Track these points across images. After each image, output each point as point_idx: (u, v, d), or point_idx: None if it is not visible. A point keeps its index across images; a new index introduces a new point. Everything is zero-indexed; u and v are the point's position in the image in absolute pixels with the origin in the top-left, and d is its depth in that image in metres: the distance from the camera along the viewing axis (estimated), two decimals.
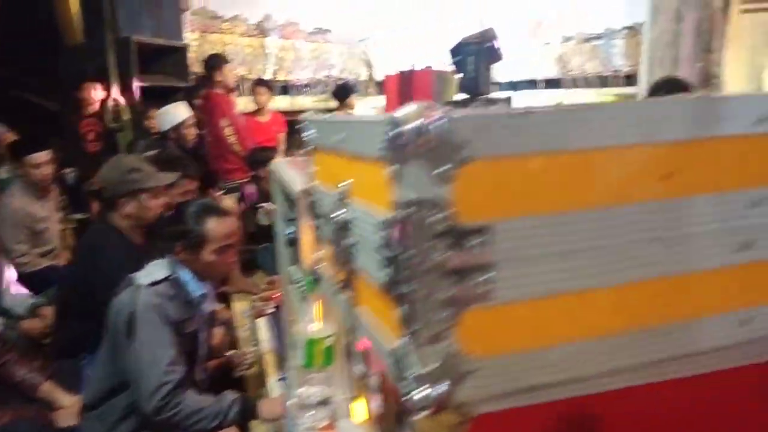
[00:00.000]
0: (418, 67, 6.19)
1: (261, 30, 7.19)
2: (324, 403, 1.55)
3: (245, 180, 4.79)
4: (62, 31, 5.61)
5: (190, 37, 6.55)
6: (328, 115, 1.10)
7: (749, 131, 0.80)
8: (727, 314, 0.85)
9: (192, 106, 5.32)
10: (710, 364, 0.85)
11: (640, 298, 0.79)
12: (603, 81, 7.90)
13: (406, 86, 5.74)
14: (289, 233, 1.88)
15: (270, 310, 3.43)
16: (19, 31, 5.36)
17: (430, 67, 5.92)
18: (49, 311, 3.33)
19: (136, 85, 5.82)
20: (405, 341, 0.70)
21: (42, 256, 4.06)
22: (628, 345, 0.80)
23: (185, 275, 2.40)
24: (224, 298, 3.71)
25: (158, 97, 5.64)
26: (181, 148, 4.72)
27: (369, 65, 7.64)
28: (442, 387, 0.69)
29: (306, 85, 7.40)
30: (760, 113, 0.80)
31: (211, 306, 2.67)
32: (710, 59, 6.93)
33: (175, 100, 5.16)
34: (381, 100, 6.69)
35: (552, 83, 7.98)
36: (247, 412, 2.29)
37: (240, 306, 3.71)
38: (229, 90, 5.62)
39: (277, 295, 3.30)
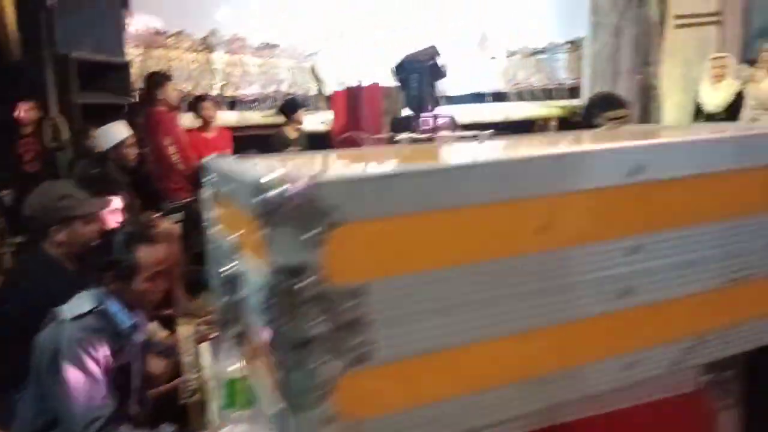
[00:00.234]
0: (366, 83, 6.23)
1: (207, 45, 7.09)
2: None
3: (191, 199, 4.71)
4: None
5: (133, 53, 6.41)
6: (225, 161, 1.08)
7: (623, 182, 0.82)
8: (612, 358, 0.87)
9: (135, 124, 5.20)
10: (598, 407, 0.86)
11: (523, 348, 0.80)
12: (548, 94, 8.10)
13: (353, 102, 5.76)
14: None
15: (214, 335, 3.36)
16: None
17: (377, 83, 5.97)
18: None
19: (77, 103, 5.66)
20: (282, 407, 0.70)
21: None
22: (514, 395, 0.80)
23: (113, 306, 2.33)
24: (170, 323, 3.63)
25: (100, 115, 5.50)
26: (121, 168, 4.62)
27: (318, 80, 7.63)
28: None
29: (254, 101, 7.34)
30: (632, 165, 0.82)
31: (143, 335, 2.60)
32: (649, 72, 7.18)
33: (118, 118, 5.05)
34: (330, 115, 6.67)
35: (499, 96, 8.12)
36: None
37: (185, 330, 3.63)
38: (172, 107, 5.52)
39: None
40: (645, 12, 7.02)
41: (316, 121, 6.72)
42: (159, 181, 5.42)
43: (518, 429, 0.83)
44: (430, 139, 4.17)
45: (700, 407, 1.04)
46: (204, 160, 1.21)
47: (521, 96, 8.13)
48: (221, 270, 0.94)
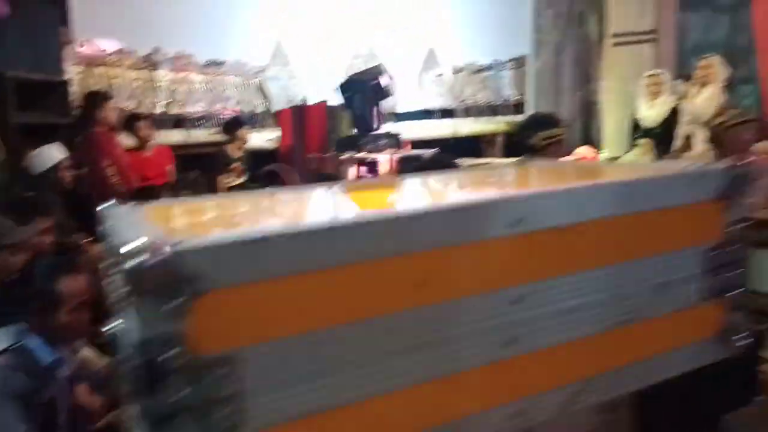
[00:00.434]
0: (313, 101, 6.23)
1: (150, 62, 6.97)
2: None
3: None
4: None
5: (73, 70, 6.25)
6: (116, 211, 1.06)
7: (503, 234, 0.83)
8: (498, 408, 0.88)
9: (73, 144, 5.06)
10: None
11: (406, 404, 0.80)
12: (494, 110, 8.24)
13: (299, 120, 5.74)
14: None
15: None
16: None
17: (324, 101, 5.98)
18: None
19: (14, 122, 5.48)
20: None
21: None
22: None
23: (32, 342, 2.25)
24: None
25: (38, 134, 5.33)
26: (57, 191, 4.48)
27: (266, 97, 7.58)
28: None
29: (200, 118, 7.24)
30: (514, 217, 0.84)
31: (68, 370, 2.52)
32: (589, 88, 7.39)
33: (56, 138, 4.91)
34: (278, 133, 6.63)
35: (447, 113, 8.22)
36: None
37: None
38: (112, 128, 5.39)
39: None
40: (585, 30, 7.23)
41: (263, 138, 6.66)
42: (98, 204, 5.27)
43: None
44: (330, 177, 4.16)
45: None
46: (100, 208, 1.18)
47: (468, 112, 8.25)
48: (105, 327, 0.92)
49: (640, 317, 1.00)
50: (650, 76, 6.05)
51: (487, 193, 1.00)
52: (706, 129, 4.39)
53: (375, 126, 4.71)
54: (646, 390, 1.05)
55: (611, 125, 6.66)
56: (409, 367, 0.80)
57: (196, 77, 7.30)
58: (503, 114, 8.17)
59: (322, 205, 1.13)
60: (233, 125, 6.15)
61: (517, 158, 3.32)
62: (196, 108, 7.21)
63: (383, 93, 4.75)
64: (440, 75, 8.22)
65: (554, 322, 0.91)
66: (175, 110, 7.10)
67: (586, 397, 0.95)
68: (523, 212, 0.86)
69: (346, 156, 4.37)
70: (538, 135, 2.96)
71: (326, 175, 4.57)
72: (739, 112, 3.50)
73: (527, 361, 0.89)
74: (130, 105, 6.66)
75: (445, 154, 4.14)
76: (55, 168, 4.65)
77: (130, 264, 0.65)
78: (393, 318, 0.78)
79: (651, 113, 6.02)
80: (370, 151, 4.48)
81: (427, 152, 4.66)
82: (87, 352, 2.82)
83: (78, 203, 4.85)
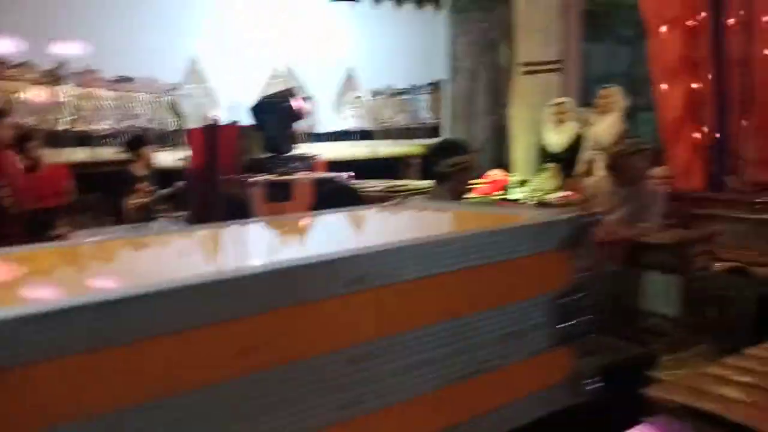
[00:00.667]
0: (225, 121, 6.09)
1: (54, 77, 6.65)
2: None
3: None
4: None
5: None
6: None
7: (343, 292, 0.82)
8: None
9: None
10: None
11: None
12: (412, 132, 8.37)
13: (210, 140, 5.60)
14: None
15: None
16: None
17: (236, 122, 5.86)
18: None
19: None
20: None
21: None
22: None
23: None
24: None
25: None
26: None
27: (178, 115, 7.38)
28: None
29: (107, 136, 6.96)
30: (352, 275, 0.82)
31: None
32: (502, 113, 7.64)
33: None
34: (189, 152, 6.44)
35: (365, 134, 8.27)
36: None
37: None
38: (6, 146, 5.07)
39: None
40: (497, 58, 7.48)
41: (174, 158, 6.45)
42: None
43: None
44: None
45: None
46: None
47: (387, 134, 8.33)
48: None
49: (488, 368, 1.01)
50: (556, 104, 6.31)
51: (325, 249, 0.97)
52: (606, 155, 4.61)
53: (286, 148, 4.65)
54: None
55: (521, 150, 6.89)
56: None
57: (104, 93, 7.02)
58: (421, 136, 8.31)
59: (148, 262, 1.07)
60: (137, 143, 5.92)
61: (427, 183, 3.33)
62: (102, 125, 6.93)
63: (295, 115, 4.71)
64: (359, 97, 8.27)
65: (400, 379, 0.90)
66: (80, 127, 6.80)
67: None
68: (363, 270, 0.85)
69: (256, 178, 4.28)
70: (445, 162, 2.98)
71: (235, 197, 4.47)
72: (634, 142, 3.70)
73: (373, 421, 0.87)
74: (30, 121, 6.32)
75: (347, 186, 4.15)
76: None
77: None
78: (218, 388, 0.74)
79: (557, 139, 6.27)
80: (281, 174, 4.42)
81: (340, 175, 4.65)
82: None
83: None
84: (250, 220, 1.49)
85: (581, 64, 7.31)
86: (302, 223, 1.41)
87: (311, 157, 5.09)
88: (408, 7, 8.34)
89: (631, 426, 1.86)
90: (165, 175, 6.04)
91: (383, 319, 0.89)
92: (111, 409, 0.67)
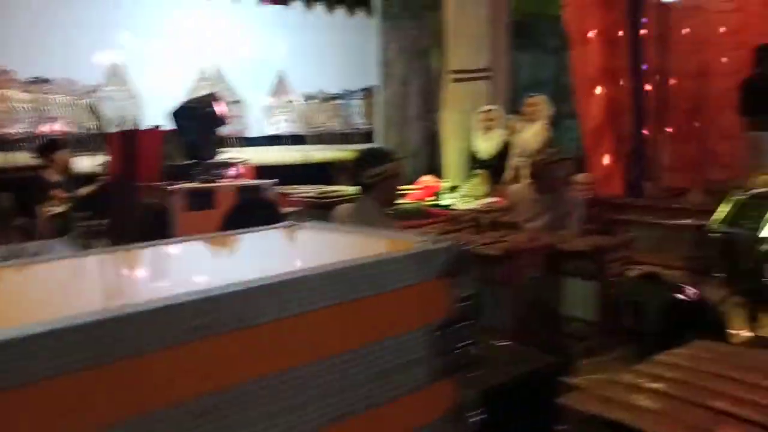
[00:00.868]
0: (147, 125, 5.85)
1: None
2: None
3: None
4: None
5: None
6: None
7: (186, 339, 0.73)
8: None
9: None
10: None
11: None
12: (345, 137, 8.32)
13: (130, 145, 5.34)
14: None
15: None
16: None
17: (157, 126, 5.63)
18: None
19: None
20: None
21: None
22: None
23: None
24: None
25: None
26: None
27: (98, 118, 7.05)
28: None
29: (22, 140, 6.58)
30: (196, 320, 0.74)
31: None
32: (434, 120, 7.70)
33: None
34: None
35: (297, 139, 8.16)
36: None
37: None
38: None
39: None
40: (429, 65, 7.53)
41: (94, 163, 6.15)
42: None
43: None
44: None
45: None
46: None
47: (319, 139, 8.25)
48: None
49: (366, 406, 0.95)
50: (484, 111, 6.40)
51: (174, 288, 0.85)
52: (527, 164, 4.69)
53: (209, 155, 4.49)
54: None
55: (452, 156, 6.95)
56: None
57: (18, 95, 6.64)
58: (354, 142, 8.26)
59: None
60: (49, 148, 5.62)
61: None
62: (16, 128, 6.55)
63: (218, 121, 4.56)
64: (291, 101, 8.16)
65: (264, 426, 0.82)
66: None
67: None
68: (209, 316, 0.77)
69: (176, 186, 4.11)
70: (367, 172, 2.91)
71: (154, 206, 4.29)
72: (554, 151, 3.77)
73: None
74: None
75: (265, 197, 4.05)
76: None
77: None
78: None
79: (486, 146, 6.36)
80: (203, 181, 4.27)
81: (265, 182, 4.54)
82: None
83: None
84: (108, 249, 1.36)
85: (510, 72, 7.46)
86: (162, 252, 1.31)
87: (235, 163, 4.94)
88: (340, 13, 8.29)
89: None
90: (83, 182, 5.75)
91: (237, 365, 0.80)
92: None
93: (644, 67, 5.04)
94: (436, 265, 1.07)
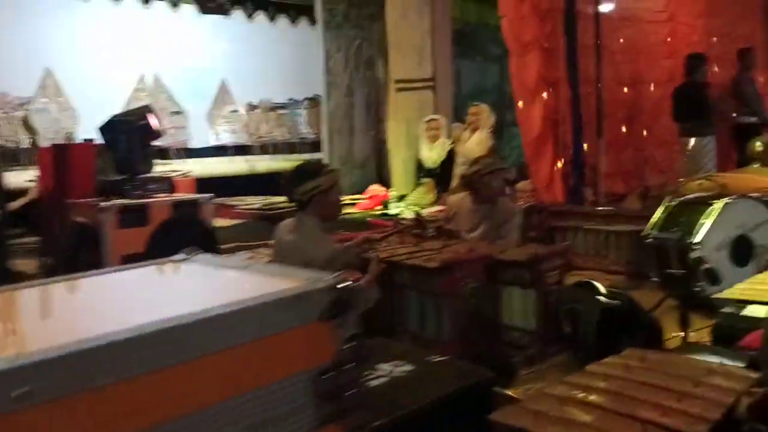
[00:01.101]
0: (81, 138, 5.62)
1: None
2: None
3: None
4: None
5: None
6: None
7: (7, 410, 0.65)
8: None
9: None
10: None
11: None
12: (291, 147, 8.22)
13: (60, 160, 5.11)
14: None
15: None
16: None
17: (91, 140, 5.41)
18: None
19: None
20: None
21: None
22: None
23: None
24: None
25: None
26: None
27: (32, 132, 6.77)
28: None
29: None
30: (16, 389, 0.66)
31: None
32: (381, 129, 7.68)
33: None
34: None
35: (242, 149, 8.03)
36: None
37: None
38: None
39: None
40: (374, 74, 7.52)
41: (25, 178, 5.88)
42: None
43: None
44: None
45: None
46: None
47: (265, 149, 8.14)
48: None
49: None
50: (429, 120, 6.42)
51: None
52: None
53: (144, 169, 4.33)
54: None
55: (398, 165, 6.96)
56: None
57: None
58: (301, 152, 8.19)
59: None
60: None
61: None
62: None
63: (152, 134, 4.40)
64: (235, 111, 8.02)
65: None
66: None
67: None
68: (30, 382, 0.69)
69: (108, 202, 3.94)
70: (299, 189, 2.82)
71: (84, 223, 4.10)
72: (490, 161, 3.77)
73: None
74: None
75: (193, 215, 3.94)
76: None
77: None
78: None
79: (431, 155, 6.38)
80: (137, 197, 4.11)
81: (203, 197, 4.41)
82: None
83: None
84: None
85: (453, 81, 7.53)
86: (17, 298, 1.19)
87: (170, 178, 4.79)
88: (283, 22, 8.22)
89: None
90: (14, 197, 5.50)
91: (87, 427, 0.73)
92: None
93: (581, 76, 5.15)
94: (316, 308, 1.02)
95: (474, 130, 6.14)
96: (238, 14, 7.99)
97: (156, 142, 5.29)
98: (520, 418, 1.65)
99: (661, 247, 3.52)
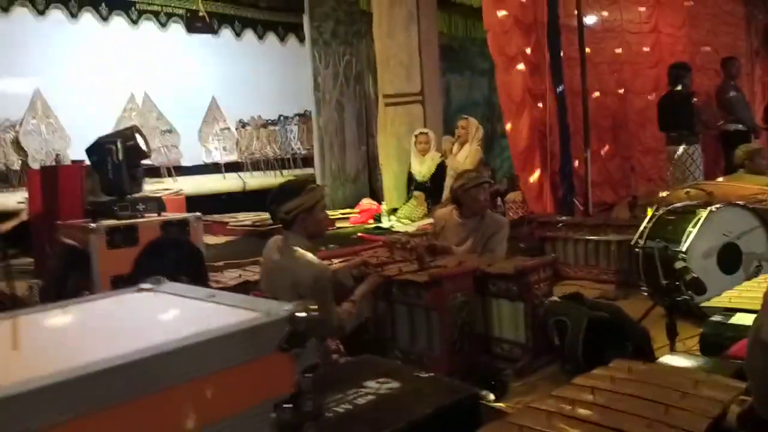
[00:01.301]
0: (71, 159, 5.61)
1: None
2: None
3: None
4: None
5: None
6: None
7: None
8: None
9: None
10: None
11: None
12: (283, 163, 8.24)
13: (49, 181, 5.09)
14: None
15: None
16: None
17: (80, 162, 5.40)
18: None
19: None
20: None
21: None
22: None
23: None
24: None
25: None
26: None
27: (23, 153, 6.76)
28: None
29: None
30: None
31: None
32: (372, 143, 7.71)
33: None
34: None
35: (234, 167, 8.04)
36: None
37: None
38: None
39: None
40: (363, 89, 7.56)
41: (16, 200, 5.88)
42: None
43: None
44: None
45: None
46: None
47: (256, 166, 8.15)
48: None
49: None
50: (419, 134, 6.45)
51: None
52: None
53: (132, 189, 4.31)
54: None
55: (390, 179, 6.97)
56: None
57: None
58: (293, 167, 8.21)
59: None
60: None
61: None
62: None
63: (140, 153, 4.39)
64: (226, 129, 8.04)
65: None
66: None
67: None
68: None
69: (97, 223, 3.92)
70: (282, 208, 2.78)
71: (72, 246, 4.09)
72: (475, 175, 3.76)
73: None
74: None
75: (177, 237, 3.92)
76: None
77: None
78: None
79: (422, 168, 6.40)
80: (126, 218, 4.09)
81: (192, 216, 4.39)
82: None
83: None
84: None
85: (443, 94, 7.57)
86: None
87: (160, 197, 4.79)
88: (272, 40, 8.28)
89: None
90: (4, 219, 5.49)
91: None
92: None
93: (566, 88, 5.19)
94: (274, 338, 1.02)
95: (463, 143, 6.17)
96: (226, 33, 8.03)
97: (147, 161, 5.29)
98: None
99: (648, 256, 3.53)
